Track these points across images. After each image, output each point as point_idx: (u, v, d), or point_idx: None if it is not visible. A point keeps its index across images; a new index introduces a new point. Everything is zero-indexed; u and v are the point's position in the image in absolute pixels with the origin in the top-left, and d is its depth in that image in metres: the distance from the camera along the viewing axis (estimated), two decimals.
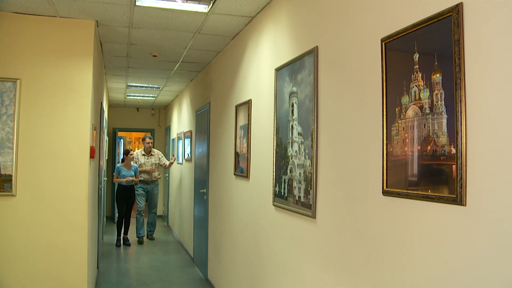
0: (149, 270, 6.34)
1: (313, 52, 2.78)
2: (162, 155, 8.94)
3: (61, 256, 3.99)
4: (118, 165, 8.30)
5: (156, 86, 8.25)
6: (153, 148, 8.94)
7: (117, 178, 8.05)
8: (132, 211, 8.54)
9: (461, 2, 1.60)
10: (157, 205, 8.85)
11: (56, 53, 4.06)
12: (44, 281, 3.95)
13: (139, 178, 8.40)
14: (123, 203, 8.19)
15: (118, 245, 8.15)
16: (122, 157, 8.60)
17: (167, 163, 8.79)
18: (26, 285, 3.90)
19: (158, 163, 8.71)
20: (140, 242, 8.41)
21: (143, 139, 8.77)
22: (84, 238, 4.06)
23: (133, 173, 8.13)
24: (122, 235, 8.28)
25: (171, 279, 5.99)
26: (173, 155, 9.40)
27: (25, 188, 3.92)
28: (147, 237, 8.82)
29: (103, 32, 4.65)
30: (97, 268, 5.98)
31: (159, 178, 8.91)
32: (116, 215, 8.62)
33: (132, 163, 8.19)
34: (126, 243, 8.24)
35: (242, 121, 4.41)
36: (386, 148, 2.02)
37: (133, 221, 9.06)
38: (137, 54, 5.65)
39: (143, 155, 8.62)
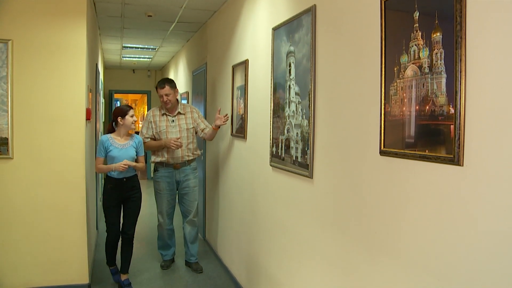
0: (147, 231, 6.42)
1: (311, 11, 2.72)
2: (200, 113, 4.86)
3: (60, 216, 4.03)
4: (103, 137, 4.08)
5: (152, 47, 8.12)
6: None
7: (103, 163, 4.09)
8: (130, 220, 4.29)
9: None
10: (197, 208, 4.84)
11: (48, 13, 3.96)
12: (44, 241, 4.00)
13: (155, 159, 4.63)
14: (117, 211, 4.18)
15: (116, 280, 4.36)
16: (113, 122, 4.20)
17: (209, 128, 4.64)
18: (26, 245, 3.96)
19: (194, 128, 4.74)
20: (167, 266, 4.93)
21: (159, 85, 4.61)
22: (83, 198, 4.09)
23: (133, 151, 4.14)
24: (118, 269, 4.38)
25: None
26: (221, 114, 4.58)
27: (22, 150, 3.91)
28: (191, 267, 4.86)
29: None
30: (96, 229, 6.05)
31: (198, 155, 4.90)
32: (106, 229, 4.25)
33: (133, 132, 4.32)
34: None
35: (239, 81, 4.37)
36: (384, 108, 2.00)
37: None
38: (132, 14, 5.52)
39: (163, 114, 4.65)
